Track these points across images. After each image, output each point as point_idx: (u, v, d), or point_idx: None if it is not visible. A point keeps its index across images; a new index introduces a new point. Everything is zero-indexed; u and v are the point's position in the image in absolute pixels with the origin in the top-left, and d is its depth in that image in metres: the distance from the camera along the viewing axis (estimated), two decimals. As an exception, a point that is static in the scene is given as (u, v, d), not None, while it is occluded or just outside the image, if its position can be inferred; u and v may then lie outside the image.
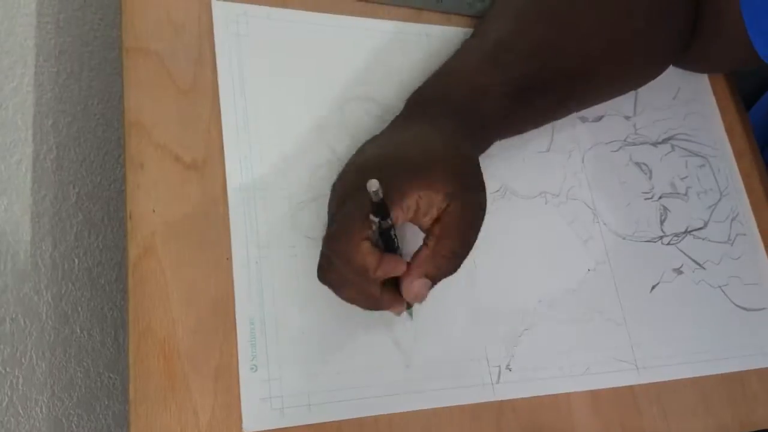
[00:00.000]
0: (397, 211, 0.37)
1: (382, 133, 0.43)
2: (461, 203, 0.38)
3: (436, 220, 0.38)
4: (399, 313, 0.41)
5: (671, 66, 0.57)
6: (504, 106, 0.43)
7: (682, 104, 0.58)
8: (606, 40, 0.48)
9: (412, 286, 0.38)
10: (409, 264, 0.38)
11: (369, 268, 0.36)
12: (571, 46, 0.47)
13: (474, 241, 0.40)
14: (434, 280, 0.39)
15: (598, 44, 0.47)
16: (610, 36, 0.48)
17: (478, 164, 0.41)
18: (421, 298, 0.38)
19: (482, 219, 0.41)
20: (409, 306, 0.41)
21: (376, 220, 0.35)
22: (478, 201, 0.40)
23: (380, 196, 0.33)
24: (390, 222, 0.36)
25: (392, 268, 0.37)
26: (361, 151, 0.42)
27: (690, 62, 0.58)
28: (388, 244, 0.37)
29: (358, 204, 0.36)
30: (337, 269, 0.38)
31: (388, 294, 0.38)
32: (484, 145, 0.44)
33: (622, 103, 0.55)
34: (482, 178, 0.41)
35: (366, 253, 0.36)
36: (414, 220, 0.39)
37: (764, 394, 0.49)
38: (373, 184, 0.32)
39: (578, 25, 0.47)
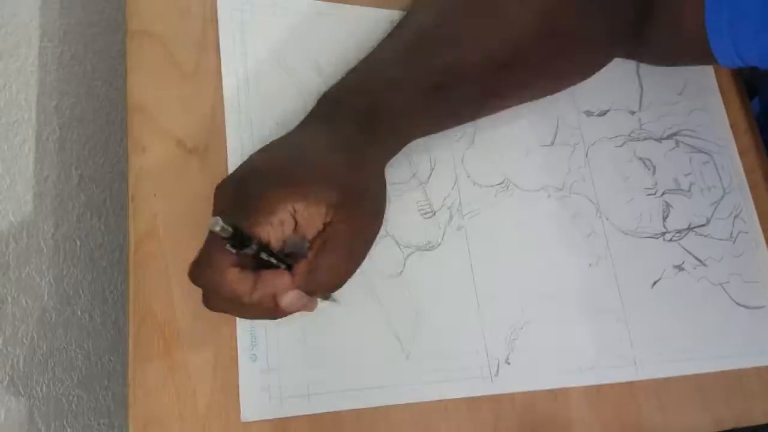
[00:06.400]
0: (265, 229, 0.33)
1: (288, 133, 0.40)
2: (347, 214, 0.35)
3: (321, 231, 0.35)
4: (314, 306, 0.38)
5: (662, 65, 0.56)
6: (419, 102, 0.41)
7: (688, 100, 0.57)
8: (535, 30, 0.44)
9: (283, 297, 0.34)
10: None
11: (241, 296, 0.33)
12: (496, 36, 0.44)
13: (364, 255, 0.37)
14: (312, 294, 0.35)
15: (526, 34, 0.44)
16: (540, 26, 0.45)
17: (379, 171, 0.39)
18: (294, 309, 0.35)
19: (376, 231, 0.38)
20: (325, 296, 0.39)
21: (233, 251, 0.32)
22: (371, 212, 0.37)
23: (229, 230, 0.30)
24: (255, 248, 0.33)
25: (272, 286, 0.34)
26: (257, 152, 0.38)
27: (644, 54, 0.55)
28: (264, 265, 0.34)
29: (212, 237, 0.34)
30: (218, 300, 0.35)
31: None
32: (398, 144, 0.41)
33: (628, 98, 0.55)
34: (381, 186, 0.38)
35: (233, 282, 0.33)
36: (300, 233, 0.35)
37: (763, 392, 0.49)
38: (215, 223, 0.30)
39: (505, 13, 0.44)
